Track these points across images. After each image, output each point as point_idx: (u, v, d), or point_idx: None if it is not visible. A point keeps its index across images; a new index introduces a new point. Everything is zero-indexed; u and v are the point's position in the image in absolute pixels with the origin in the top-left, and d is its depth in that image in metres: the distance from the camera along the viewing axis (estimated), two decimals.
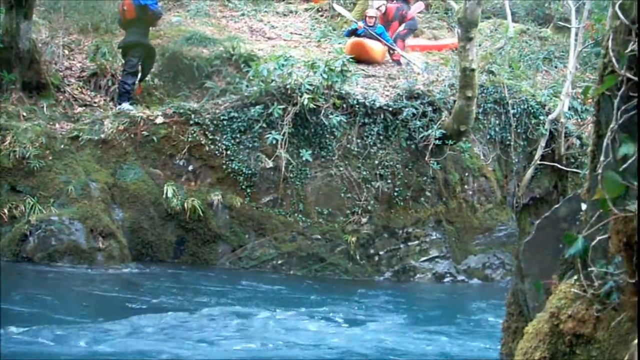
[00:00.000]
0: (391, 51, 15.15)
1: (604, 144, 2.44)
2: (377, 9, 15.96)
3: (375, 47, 14.80)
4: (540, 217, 3.43)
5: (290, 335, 7.79)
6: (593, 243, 2.50)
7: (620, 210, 2.29)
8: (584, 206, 2.87)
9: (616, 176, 2.25)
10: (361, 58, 14.28)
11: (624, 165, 2.30)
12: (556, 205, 3.36)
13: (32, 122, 11.25)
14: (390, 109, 12.27)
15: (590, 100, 13.31)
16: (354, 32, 15.05)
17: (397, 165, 12.10)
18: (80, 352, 6.62)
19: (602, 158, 2.43)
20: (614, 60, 2.43)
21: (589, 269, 2.55)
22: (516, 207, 13.13)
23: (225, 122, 11.70)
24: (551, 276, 3.02)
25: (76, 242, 10.15)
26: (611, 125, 2.41)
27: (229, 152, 11.63)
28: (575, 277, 2.66)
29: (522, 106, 13.17)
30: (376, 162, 12.06)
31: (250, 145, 11.70)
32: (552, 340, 2.65)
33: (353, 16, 16.48)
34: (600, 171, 2.38)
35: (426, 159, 12.07)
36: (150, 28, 12.92)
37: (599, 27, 12.73)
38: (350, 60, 12.46)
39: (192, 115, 11.67)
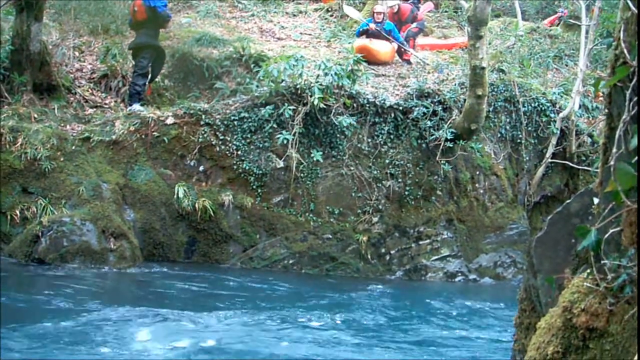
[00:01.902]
0: (402, 50, 14.94)
1: (616, 135, 2.42)
2: (391, 7, 15.83)
3: (381, 50, 14.40)
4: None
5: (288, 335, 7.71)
6: (606, 236, 2.48)
7: (632, 202, 2.27)
8: (596, 200, 2.84)
9: (629, 168, 2.22)
10: (368, 61, 14.01)
11: (637, 157, 2.28)
12: (568, 201, 3.34)
13: (43, 124, 11.30)
14: (401, 108, 12.24)
15: (600, 97, 13.27)
16: (365, 32, 14.75)
17: (408, 165, 12.07)
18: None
19: (614, 150, 2.41)
20: (625, 51, 2.41)
21: (602, 262, 2.53)
22: (527, 205, 13.09)
23: (235, 123, 11.71)
24: (563, 271, 3.00)
25: (88, 243, 10.16)
26: (623, 117, 2.39)
27: (239, 152, 11.63)
28: (588, 270, 2.64)
29: (532, 104, 13.12)
30: (387, 161, 12.04)
31: (261, 146, 11.70)
32: (565, 335, 2.63)
33: (363, 16, 16.39)
34: (612, 163, 2.36)
35: (437, 158, 12.04)
36: (161, 30, 12.95)
37: (609, 24, 12.69)
38: (361, 60, 12.36)
39: (203, 116, 11.69)
